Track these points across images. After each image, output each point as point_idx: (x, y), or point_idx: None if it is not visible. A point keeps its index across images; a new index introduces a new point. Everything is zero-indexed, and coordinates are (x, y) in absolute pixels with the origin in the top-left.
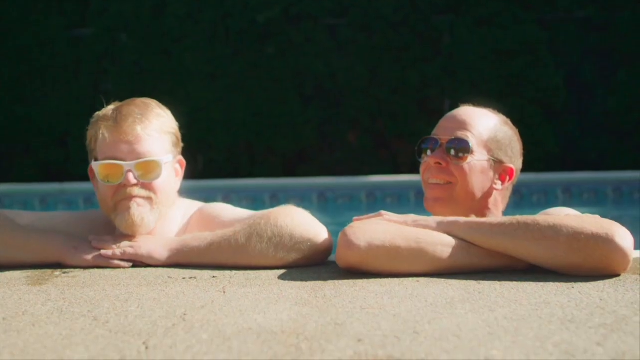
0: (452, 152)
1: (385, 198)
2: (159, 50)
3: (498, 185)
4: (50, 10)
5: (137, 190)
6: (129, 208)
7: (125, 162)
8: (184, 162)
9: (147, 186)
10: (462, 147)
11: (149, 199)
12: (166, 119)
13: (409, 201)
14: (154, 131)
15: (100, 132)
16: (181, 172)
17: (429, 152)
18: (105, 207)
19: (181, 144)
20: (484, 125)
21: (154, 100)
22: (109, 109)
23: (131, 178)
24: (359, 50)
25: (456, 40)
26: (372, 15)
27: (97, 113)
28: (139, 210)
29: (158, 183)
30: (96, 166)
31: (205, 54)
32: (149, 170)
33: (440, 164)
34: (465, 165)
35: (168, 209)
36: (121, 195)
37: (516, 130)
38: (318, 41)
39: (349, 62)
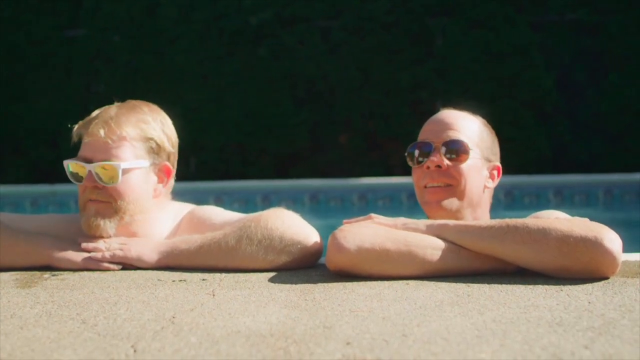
0: (451, 153)
1: (377, 200)
2: (151, 51)
3: (489, 183)
4: (43, 10)
5: (96, 193)
6: (88, 212)
7: (88, 163)
8: (170, 169)
9: (108, 190)
10: (460, 148)
11: (107, 203)
12: (148, 125)
13: (401, 203)
14: (120, 138)
15: (76, 132)
16: (166, 179)
17: (418, 157)
18: (79, 206)
19: (168, 151)
20: (470, 127)
21: (148, 105)
22: (99, 109)
23: (90, 179)
24: (352, 52)
25: (448, 42)
26: (364, 17)
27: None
28: (96, 216)
29: (119, 188)
30: (66, 164)
31: (198, 55)
32: (107, 174)
33: (439, 166)
34: (464, 166)
35: (140, 215)
36: (86, 195)
37: (493, 131)
38: (311, 43)
39: (341, 64)
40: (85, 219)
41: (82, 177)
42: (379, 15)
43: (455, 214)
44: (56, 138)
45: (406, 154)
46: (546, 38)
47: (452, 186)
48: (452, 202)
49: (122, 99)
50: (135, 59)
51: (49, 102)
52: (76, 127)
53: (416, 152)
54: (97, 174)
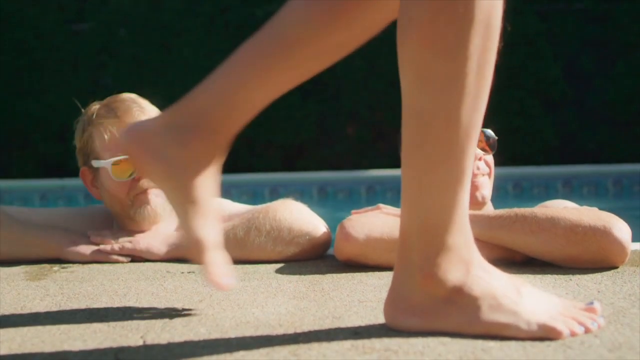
0: (489, 144)
1: (385, 192)
2: (157, 44)
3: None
4: (49, 4)
5: (151, 182)
6: (148, 201)
7: None
8: None
9: None
10: (491, 137)
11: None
12: (156, 111)
13: None
14: None
15: (104, 130)
16: None
17: None
18: (120, 205)
19: None
20: None
21: (133, 94)
22: (96, 108)
23: None
24: None
25: None
26: None
27: (88, 115)
28: (157, 200)
29: None
30: (109, 164)
31: (204, 48)
32: None
33: (479, 158)
34: (492, 155)
35: None
36: (138, 189)
37: None
38: None
39: (347, 55)
40: (147, 211)
41: (129, 172)
42: None
43: (486, 204)
44: (64, 132)
45: None
46: (553, 27)
47: (486, 176)
48: (488, 191)
49: (129, 92)
50: (141, 53)
51: (56, 96)
52: (103, 126)
53: None
54: None
